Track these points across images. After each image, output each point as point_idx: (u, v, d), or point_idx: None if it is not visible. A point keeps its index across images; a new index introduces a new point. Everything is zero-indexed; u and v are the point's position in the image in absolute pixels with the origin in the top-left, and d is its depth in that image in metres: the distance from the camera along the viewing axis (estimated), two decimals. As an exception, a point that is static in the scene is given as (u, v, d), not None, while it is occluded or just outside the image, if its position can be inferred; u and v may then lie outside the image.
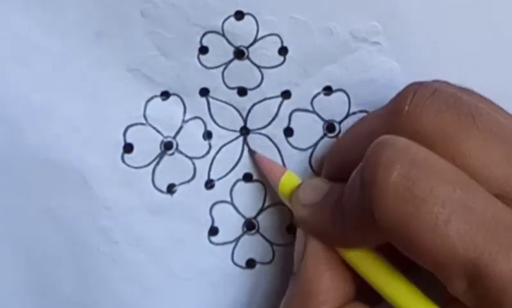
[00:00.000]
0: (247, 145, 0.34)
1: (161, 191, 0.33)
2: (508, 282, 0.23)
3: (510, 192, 0.26)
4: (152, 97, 0.34)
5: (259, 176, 0.34)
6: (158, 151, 0.34)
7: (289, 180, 0.31)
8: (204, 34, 0.34)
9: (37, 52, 0.34)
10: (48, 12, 0.34)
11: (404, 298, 0.26)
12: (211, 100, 0.34)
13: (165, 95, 0.34)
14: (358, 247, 0.28)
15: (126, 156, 0.34)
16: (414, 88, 0.28)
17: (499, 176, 0.26)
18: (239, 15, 0.34)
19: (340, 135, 0.33)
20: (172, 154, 0.34)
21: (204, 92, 0.34)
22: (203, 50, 0.34)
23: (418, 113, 0.27)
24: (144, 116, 0.34)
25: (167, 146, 0.34)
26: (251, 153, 0.34)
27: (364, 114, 0.34)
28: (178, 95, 0.34)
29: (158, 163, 0.34)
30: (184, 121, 0.34)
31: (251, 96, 0.34)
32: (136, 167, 0.34)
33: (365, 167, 0.25)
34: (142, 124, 0.34)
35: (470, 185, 0.25)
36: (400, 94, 0.28)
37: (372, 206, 0.24)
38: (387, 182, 0.24)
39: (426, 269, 0.25)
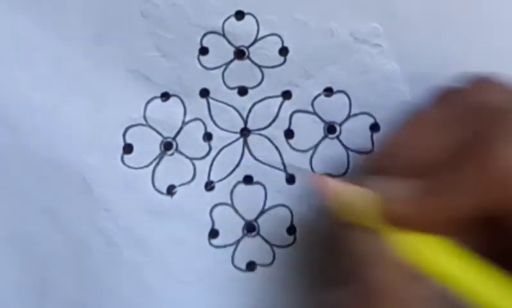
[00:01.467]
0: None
1: (161, 192, 0.33)
2: None
3: None
4: (152, 98, 0.34)
5: (258, 176, 0.34)
6: (158, 151, 0.34)
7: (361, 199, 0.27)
8: (204, 35, 0.34)
9: (37, 53, 0.34)
10: (48, 13, 0.34)
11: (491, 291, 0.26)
12: (211, 101, 0.34)
13: (165, 96, 0.34)
14: (464, 212, 0.26)
15: (126, 157, 0.33)
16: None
17: None
18: (240, 15, 0.34)
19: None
20: (172, 154, 0.34)
21: (204, 92, 0.34)
22: (203, 51, 0.34)
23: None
24: (144, 117, 0.34)
25: (167, 147, 0.34)
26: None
27: (365, 116, 0.34)
28: (178, 96, 0.34)
29: (158, 164, 0.33)
30: (184, 122, 0.34)
31: (252, 95, 0.34)
32: (136, 168, 0.33)
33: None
34: (141, 125, 0.34)
35: None
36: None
37: (496, 140, 0.25)
38: None
39: None
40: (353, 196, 0.27)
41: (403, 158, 0.28)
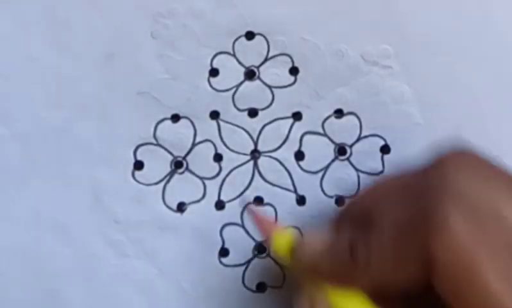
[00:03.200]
0: (242, 200, 0.34)
1: (171, 209, 0.33)
2: None
3: None
4: (162, 120, 0.34)
5: (269, 198, 0.34)
6: (169, 169, 0.34)
7: (281, 237, 0.29)
8: (214, 56, 0.34)
9: (49, 73, 0.34)
10: (60, 35, 0.35)
11: None
12: (221, 123, 0.34)
13: (175, 118, 0.34)
14: (376, 280, 0.27)
15: (137, 173, 0.33)
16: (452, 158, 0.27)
17: None
18: (250, 35, 0.34)
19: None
20: (183, 173, 0.34)
21: (214, 115, 0.34)
22: (214, 72, 0.34)
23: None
24: (154, 137, 0.34)
25: (178, 165, 0.34)
26: (242, 203, 0.33)
27: (376, 138, 0.34)
28: (188, 118, 0.34)
29: (168, 181, 0.33)
30: (194, 143, 0.34)
31: (262, 117, 0.34)
32: (147, 184, 0.33)
33: (429, 192, 0.25)
34: (152, 144, 0.34)
35: None
36: (435, 165, 0.27)
37: (430, 237, 0.24)
38: (456, 221, 0.24)
39: None
40: (275, 234, 0.29)
41: (357, 215, 0.29)
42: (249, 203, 0.33)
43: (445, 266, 0.24)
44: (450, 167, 0.26)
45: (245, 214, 0.33)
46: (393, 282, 0.26)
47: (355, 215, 0.28)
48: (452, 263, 0.24)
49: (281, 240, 0.29)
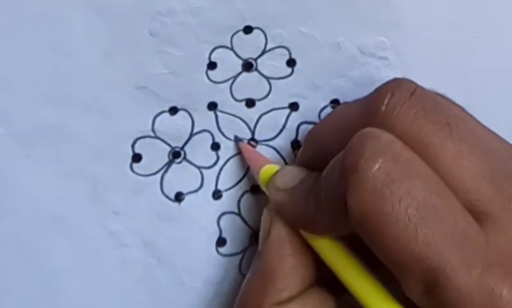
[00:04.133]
0: (235, 137, 0.34)
1: (169, 198, 0.33)
2: (466, 295, 0.23)
3: (479, 205, 0.25)
4: (160, 113, 0.34)
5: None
6: (166, 159, 0.34)
7: (269, 170, 0.31)
8: (213, 50, 0.35)
9: (47, 71, 0.35)
10: (58, 32, 0.35)
11: (364, 289, 0.26)
12: (219, 113, 0.34)
13: (173, 110, 0.34)
14: (327, 233, 0.27)
15: (135, 165, 0.34)
16: (392, 86, 0.27)
17: (471, 189, 0.25)
18: (248, 30, 0.35)
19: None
20: (180, 162, 0.34)
21: (212, 106, 0.34)
22: (212, 65, 0.34)
23: (395, 115, 0.26)
24: (153, 130, 0.34)
25: (175, 155, 0.34)
26: (237, 140, 0.34)
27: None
28: (186, 110, 0.34)
29: (166, 171, 0.34)
30: (192, 134, 0.34)
31: (259, 107, 0.34)
32: (144, 175, 0.34)
33: (347, 154, 0.25)
34: (150, 137, 0.34)
35: (446, 194, 0.25)
36: (377, 91, 0.27)
37: (347, 193, 0.24)
38: (367, 173, 0.24)
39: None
40: (261, 167, 0.30)
41: (319, 149, 0.29)
42: (240, 141, 0.34)
43: (357, 217, 0.24)
44: (380, 105, 0.26)
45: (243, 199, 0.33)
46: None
47: (311, 155, 0.29)
48: (364, 213, 0.24)
49: (267, 174, 0.29)
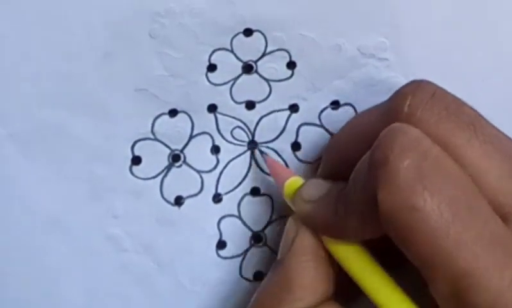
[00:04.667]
0: (259, 150, 0.34)
1: (169, 203, 0.33)
2: (498, 299, 0.22)
3: (505, 206, 0.25)
4: (160, 115, 0.34)
5: (266, 188, 0.34)
6: (166, 163, 0.34)
7: (294, 183, 0.31)
8: (212, 52, 0.34)
9: (47, 72, 0.34)
10: (57, 33, 0.35)
11: (386, 297, 0.26)
12: (219, 116, 0.34)
13: (173, 112, 0.34)
14: (357, 237, 0.27)
15: (134, 168, 0.34)
16: (413, 88, 0.27)
17: (497, 190, 0.25)
18: (248, 32, 0.34)
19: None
20: (180, 166, 0.34)
21: (212, 108, 0.34)
22: (211, 68, 0.34)
23: (418, 116, 0.26)
24: (152, 132, 0.34)
25: (175, 158, 0.34)
26: (262, 154, 0.34)
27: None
28: (185, 113, 0.34)
29: (166, 175, 0.34)
30: (192, 136, 0.34)
31: (259, 109, 0.34)
32: (144, 179, 0.34)
33: (376, 149, 0.25)
34: (149, 139, 0.34)
35: (476, 194, 0.24)
36: (397, 94, 0.27)
37: (377, 189, 0.24)
38: (398, 167, 0.23)
39: (413, 267, 0.24)
40: (285, 180, 0.30)
41: (342, 157, 0.29)
42: (265, 155, 0.34)
43: (388, 213, 0.24)
44: (403, 106, 0.26)
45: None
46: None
47: (333, 166, 0.29)
48: (395, 209, 0.23)
49: (292, 188, 0.29)
